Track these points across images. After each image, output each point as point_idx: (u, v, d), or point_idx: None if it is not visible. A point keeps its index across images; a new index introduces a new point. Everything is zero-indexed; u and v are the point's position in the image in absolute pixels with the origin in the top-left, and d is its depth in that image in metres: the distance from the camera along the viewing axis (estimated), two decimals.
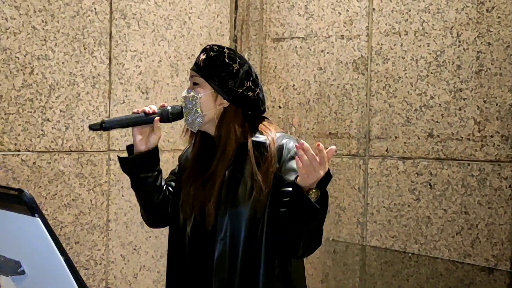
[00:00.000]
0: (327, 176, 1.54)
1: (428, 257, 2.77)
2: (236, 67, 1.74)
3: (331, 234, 3.11)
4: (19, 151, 2.55)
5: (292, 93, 3.27)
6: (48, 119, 2.64)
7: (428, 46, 2.77)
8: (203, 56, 1.75)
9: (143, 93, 3.01)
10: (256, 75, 1.80)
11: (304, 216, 1.57)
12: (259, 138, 1.72)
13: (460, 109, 2.69)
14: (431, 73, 2.77)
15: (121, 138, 2.90)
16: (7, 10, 2.49)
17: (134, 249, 2.99)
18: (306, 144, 1.52)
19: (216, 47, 1.77)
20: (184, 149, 1.91)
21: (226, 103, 1.73)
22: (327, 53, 3.12)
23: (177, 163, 1.91)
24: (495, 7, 2.59)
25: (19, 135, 2.55)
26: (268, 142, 1.70)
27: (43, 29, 2.61)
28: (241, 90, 1.73)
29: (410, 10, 2.83)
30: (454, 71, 2.70)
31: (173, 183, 1.87)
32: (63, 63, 2.68)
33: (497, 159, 2.59)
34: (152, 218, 1.89)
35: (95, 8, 2.79)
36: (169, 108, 1.77)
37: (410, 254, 2.82)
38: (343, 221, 3.06)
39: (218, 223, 1.68)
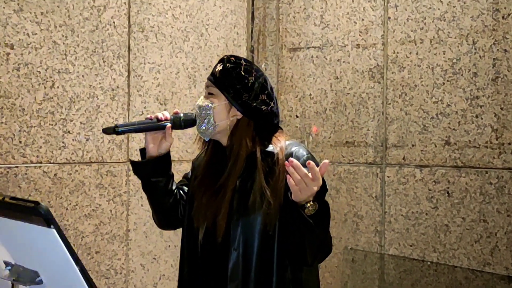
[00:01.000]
0: (323, 189, 1.56)
1: (447, 265, 2.75)
2: (252, 80, 1.76)
3: (349, 242, 3.11)
4: (41, 163, 2.62)
5: (309, 102, 3.29)
6: (68, 131, 2.70)
7: (444, 54, 2.77)
8: (219, 67, 1.78)
9: (161, 104, 3.05)
10: (271, 88, 1.82)
11: (303, 229, 1.58)
12: (268, 148, 1.74)
13: (477, 116, 2.68)
14: (447, 80, 2.76)
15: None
16: (28, 26, 2.56)
17: (154, 258, 3.03)
18: (295, 161, 1.53)
19: (233, 59, 1.79)
20: (197, 155, 1.94)
21: (239, 115, 1.75)
22: (343, 62, 3.14)
23: (188, 170, 1.95)
24: (510, 14, 2.58)
25: (41, 147, 2.61)
26: (276, 152, 1.72)
27: (63, 43, 2.67)
28: (254, 104, 1.74)
29: (425, 18, 2.83)
30: (470, 79, 2.69)
31: (185, 188, 1.90)
32: (83, 76, 2.74)
33: None
34: (162, 220, 1.93)
35: (113, 22, 2.85)
36: (181, 115, 1.79)
37: (429, 263, 2.81)
38: (361, 229, 3.06)
39: (231, 232, 1.70)
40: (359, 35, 3.08)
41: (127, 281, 2.93)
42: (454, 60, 2.74)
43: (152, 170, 1.79)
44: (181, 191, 1.89)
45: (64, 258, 1.14)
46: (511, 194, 2.58)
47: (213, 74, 1.79)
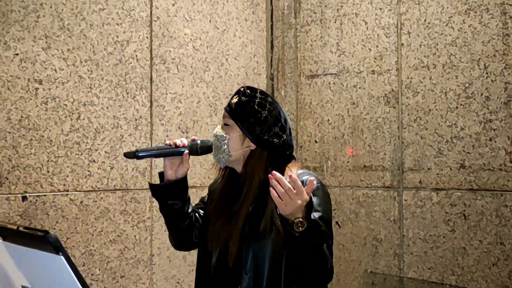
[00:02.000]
0: (309, 206, 1.61)
1: None
2: (264, 114, 1.84)
3: (369, 266, 3.14)
4: (67, 191, 2.75)
5: (327, 127, 3.36)
6: (94, 160, 2.84)
7: (457, 78, 2.82)
8: (235, 99, 1.87)
9: (183, 132, 3.17)
10: (285, 120, 1.89)
11: (292, 246, 1.64)
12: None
13: (490, 139, 2.70)
14: (461, 104, 2.80)
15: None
16: (56, 62, 2.72)
17: (178, 282, 3.12)
18: (278, 174, 1.60)
19: (248, 91, 1.88)
20: (214, 179, 2.04)
21: (252, 146, 1.84)
22: (359, 88, 3.21)
23: (205, 194, 2.04)
24: None
25: (67, 176, 2.75)
26: (289, 181, 1.79)
27: (88, 77, 2.83)
28: (266, 137, 1.83)
29: (437, 44, 2.88)
30: (483, 102, 2.73)
31: (201, 211, 1.99)
32: (107, 107, 2.88)
33: None
34: (177, 241, 2.01)
35: (136, 56, 3.00)
36: (199, 142, 1.89)
37: (447, 286, 2.82)
38: (380, 253, 3.09)
39: (243, 257, 1.78)
40: (374, 61, 3.15)
41: None
42: (467, 85, 2.78)
43: (168, 193, 1.89)
44: (196, 214, 1.98)
45: (73, 283, 1.24)
46: None
47: (229, 105, 1.89)
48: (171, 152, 1.86)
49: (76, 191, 2.78)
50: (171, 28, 3.14)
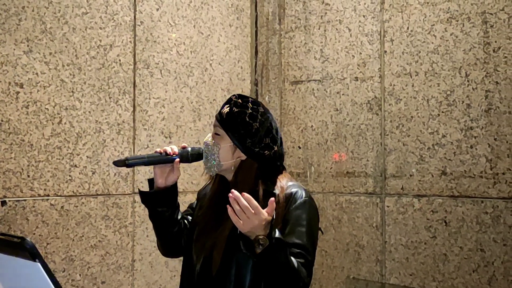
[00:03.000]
0: (272, 224, 1.61)
1: None
2: (256, 126, 1.83)
3: (351, 272, 3.14)
4: (48, 195, 2.73)
5: (310, 133, 3.36)
6: (75, 165, 2.81)
7: (438, 86, 2.84)
8: (226, 109, 1.86)
9: (166, 137, 3.16)
10: (277, 130, 1.89)
11: (255, 263, 1.65)
12: (270, 188, 1.82)
13: (471, 147, 2.73)
14: (442, 112, 2.82)
15: (145, 182, 3.04)
16: (37, 66, 2.70)
17: None
18: (236, 193, 1.60)
19: (240, 101, 1.87)
20: (204, 185, 2.03)
21: (243, 156, 1.84)
22: (343, 94, 3.22)
23: (194, 200, 2.04)
24: (501, 47, 2.65)
25: (48, 180, 2.72)
26: (278, 193, 1.80)
27: (71, 81, 2.81)
28: (257, 149, 1.83)
29: (420, 52, 2.91)
30: (464, 110, 2.75)
31: (189, 217, 1.99)
32: (89, 112, 2.86)
33: (510, 196, 2.61)
34: (166, 248, 2.01)
35: (119, 60, 2.98)
36: (189, 149, 1.88)
37: None
38: (362, 259, 3.10)
39: (226, 266, 1.77)
40: (357, 68, 3.17)
41: None
42: (448, 92, 2.81)
43: (158, 201, 1.88)
44: (185, 221, 1.97)
45: None
46: (506, 223, 2.61)
47: (220, 114, 1.87)
48: (162, 159, 1.85)
49: (57, 196, 2.76)
50: (155, 33, 3.13)
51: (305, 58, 3.40)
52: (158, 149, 1.86)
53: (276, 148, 1.86)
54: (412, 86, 2.93)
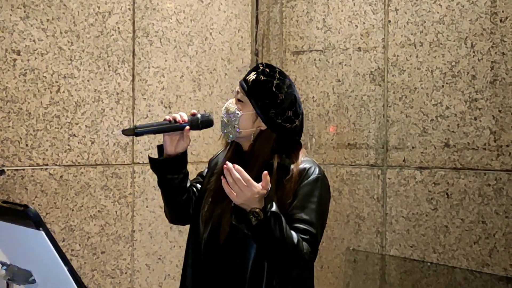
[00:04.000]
0: (267, 198, 1.60)
1: (446, 266, 2.77)
2: (281, 98, 1.79)
3: (351, 243, 3.14)
4: (47, 165, 2.69)
5: (311, 104, 3.33)
6: (74, 135, 2.77)
7: (443, 56, 2.80)
8: (253, 76, 1.81)
9: (166, 107, 3.12)
10: (300, 104, 1.86)
11: (251, 236, 1.63)
12: (285, 162, 1.79)
13: (475, 118, 2.70)
14: (447, 83, 2.79)
15: (145, 152, 3.01)
16: (35, 33, 2.64)
17: (159, 258, 3.10)
18: (229, 164, 1.58)
19: (267, 70, 1.82)
20: (215, 154, 1.99)
21: (263, 126, 1.81)
22: (345, 65, 3.18)
23: (204, 169, 2.01)
24: (508, 17, 2.60)
25: (47, 150, 2.69)
26: (292, 167, 1.77)
27: (69, 49, 2.75)
28: (280, 121, 1.80)
29: (425, 22, 2.86)
30: (469, 81, 2.71)
31: (198, 185, 1.96)
32: (88, 80, 2.81)
33: None
34: (174, 215, 1.97)
35: (118, 28, 2.92)
36: (199, 116, 1.83)
37: (428, 264, 2.84)
38: (363, 230, 3.10)
39: (233, 236, 1.75)
40: (360, 38, 3.11)
41: (133, 281, 2.99)
42: (453, 63, 2.76)
43: (168, 168, 1.84)
44: (194, 189, 1.94)
45: (54, 259, 1.20)
46: (509, 195, 2.59)
47: (245, 81, 1.82)
48: (171, 127, 1.80)
49: (56, 165, 2.72)
50: (154, 0, 3.06)
51: (307, 28, 3.34)
52: (167, 117, 1.81)
53: (297, 122, 1.83)
54: (416, 56, 2.89)
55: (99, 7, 2.84)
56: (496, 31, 2.63)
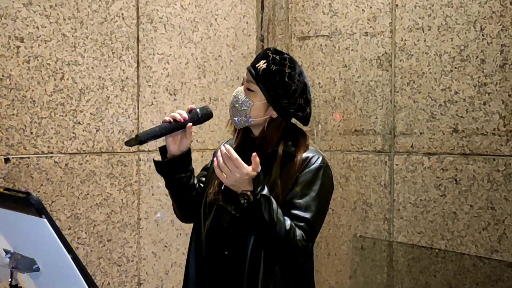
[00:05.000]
0: (256, 181, 1.60)
1: (455, 253, 2.75)
2: (293, 87, 1.78)
3: (358, 230, 3.12)
4: (52, 153, 2.68)
5: (318, 90, 3.29)
6: (79, 122, 2.76)
7: (452, 40, 2.75)
8: (263, 65, 1.78)
9: (171, 94, 3.09)
10: (309, 91, 1.85)
11: (241, 219, 1.63)
12: (290, 149, 1.78)
13: (485, 103, 2.66)
14: (455, 68, 2.74)
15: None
16: (38, 19, 2.61)
17: (165, 246, 3.09)
18: (222, 147, 1.60)
19: (278, 58, 1.79)
20: (221, 144, 1.97)
21: (275, 114, 1.80)
22: (352, 50, 3.13)
23: (205, 162, 2.00)
24: None
25: (51, 138, 2.67)
26: (297, 155, 1.77)
27: (72, 36, 2.72)
28: (292, 110, 1.79)
29: (433, 5, 2.81)
30: (478, 66, 2.67)
31: (203, 179, 1.94)
32: (92, 68, 2.79)
33: None
34: (184, 214, 1.96)
35: (122, 14, 2.89)
36: (198, 110, 1.81)
37: (437, 250, 2.81)
38: (370, 217, 3.07)
39: (233, 223, 1.74)
40: (367, 23, 3.07)
41: (139, 269, 2.99)
42: (462, 47, 2.72)
43: (175, 168, 1.82)
44: (201, 183, 1.93)
45: (57, 247, 1.18)
46: None
47: (255, 69, 1.79)
48: (174, 127, 1.76)
49: (61, 153, 2.71)
50: None
51: (313, 13, 3.30)
52: (166, 118, 1.77)
53: (308, 110, 1.83)
54: (424, 41, 2.84)
55: None
56: (506, 13, 2.58)
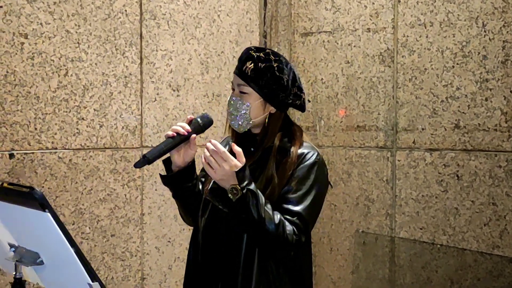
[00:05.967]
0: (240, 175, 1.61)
1: (456, 248, 2.76)
2: (286, 79, 1.79)
3: (360, 226, 3.14)
4: (56, 149, 2.70)
5: (320, 86, 3.30)
6: (82, 118, 2.78)
7: (454, 36, 2.76)
8: (250, 65, 1.78)
9: (174, 90, 3.11)
10: (299, 77, 1.86)
11: (231, 214, 1.65)
12: (286, 145, 1.80)
13: (486, 99, 2.66)
14: (457, 64, 2.75)
15: (154, 135, 3.01)
16: (42, 16, 2.63)
17: (169, 241, 3.11)
18: (208, 143, 1.62)
19: (262, 55, 1.80)
20: (220, 139, 1.99)
21: (273, 109, 1.81)
22: (354, 46, 3.14)
23: None
24: None
25: (55, 133, 2.69)
26: (292, 150, 1.77)
27: (76, 32, 2.74)
28: (290, 101, 1.82)
29: (435, 1, 2.81)
30: (480, 62, 2.68)
31: (203, 179, 1.95)
32: (96, 64, 2.81)
33: None
34: (192, 219, 1.95)
35: (125, 10, 2.90)
36: (199, 120, 1.81)
37: (438, 246, 2.83)
38: (372, 213, 3.09)
39: (228, 219, 1.75)
40: (370, 19, 3.08)
41: (143, 263, 3.01)
42: (464, 43, 2.73)
43: (181, 179, 1.83)
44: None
45: (60, 240, 1.20)
46: None
47: (243, 72, 1.80)
48: (180, 141, 1.77)
49: (65, 149, 2.73)
50: None
51: (315, 9, 3.31)
52: (169, 133, 1.75)
53: (303, 95, 1.86)
54: (426, 37, 2.85)
55: None
56: (508, 9, 2.58)
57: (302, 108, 1.87)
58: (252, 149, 1.82)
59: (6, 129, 2.55)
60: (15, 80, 2.56)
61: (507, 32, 2.59)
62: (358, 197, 3.14)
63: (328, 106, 3.26)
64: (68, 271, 1.27)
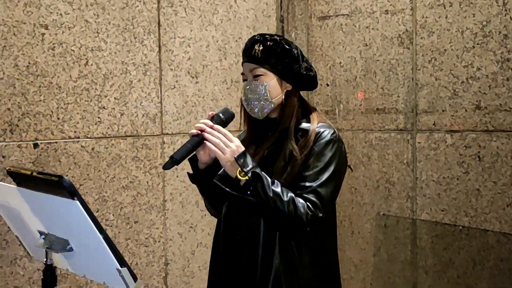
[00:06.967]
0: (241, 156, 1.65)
1: (478, 229, 2.75)
2: (295, 51, 1.83)
3: (381, 208, 3.14)
4: (78, 137, 2.74)
5: (339, 70, 3.29)
6: (104, 107, 2.81)
7: (474, 16, 2.73)
8: (259, 47, 1.81)
9: (192, 77, 3.12)
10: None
11: (240, 198, 1.67)
12: (303, 125, 1.82)
13: (508, 79, 2.64)
14: (477, 44, 2.72)
15: (174, 122, 3.04)
16: (61, 6, 2.65)
17: (191, 227, 3.15)
18: (208, 129, 1.67)
19: (268, 36, 1.84)
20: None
21: (289, 86, 1.83)
22: (372, 29, 3.12)
23: None
24: None
25: (78, 123, 2.73)
26: (309, 130, 1.79)
27: (95, 21, 2.76)
28: (305, 72, 1.83)
29: None
30: (501, 41, 2.65)
31: None
32: (115, 53, 2.83)
33: None
34: (219, 212, 1.97)
35: None
36: (220, 115, 1.81)
37: (460, 227, 2.82)
38: (393, 195, 3.09)
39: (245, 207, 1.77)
40: (388, 1, 3.05)
41: (166, 249, 3.05)
42: (484, 23, 2.69)
43: (209, 175, 1.83)
44: None
45: (89, 227, 1.23)
46: None
47: (253, 56, 1.81)
48: (204, 138, 1.76)
49: (87, 138, 2.77)
50: None
51: None
52: (193, 131, 1.76)
53: (313, 69, 1.88)
54: (446, 17, 2.82)
55: None
56: None
57: (314, 80, 1.88)
58: (270, 134, 1.83)
59: (30, 119, 2.59)
60: (37, 71, 2.60)
61: None
62: (379, 180, 3.14)
63: (347, 89, 3.26)
64: (97, 257, 1.30)
